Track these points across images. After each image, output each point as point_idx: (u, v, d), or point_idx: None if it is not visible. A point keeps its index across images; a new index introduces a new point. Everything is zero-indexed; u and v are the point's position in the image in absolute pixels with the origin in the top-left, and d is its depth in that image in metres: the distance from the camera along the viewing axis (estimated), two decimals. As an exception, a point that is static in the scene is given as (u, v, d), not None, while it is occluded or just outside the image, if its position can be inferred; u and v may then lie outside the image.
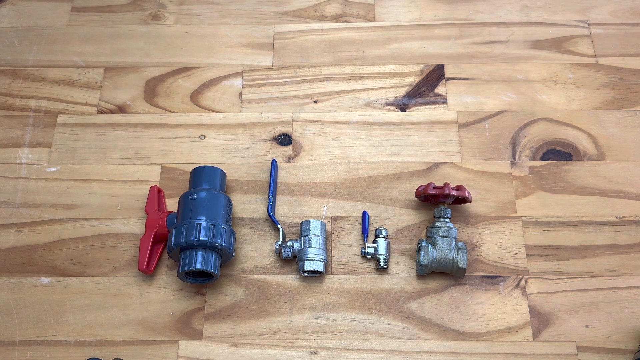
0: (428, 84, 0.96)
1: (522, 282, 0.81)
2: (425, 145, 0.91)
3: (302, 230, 0.82)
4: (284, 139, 0.92)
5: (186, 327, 0.79)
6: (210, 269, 0.76)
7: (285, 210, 0.87)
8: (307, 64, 0.98)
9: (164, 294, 0.81)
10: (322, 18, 1.02)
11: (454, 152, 0.90)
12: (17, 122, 0.93)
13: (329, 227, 0.85)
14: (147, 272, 0.80)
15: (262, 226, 0.86)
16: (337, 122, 0.93)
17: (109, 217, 0.86)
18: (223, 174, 0.85)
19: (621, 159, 0.90)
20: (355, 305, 0.80)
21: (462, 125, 0.92)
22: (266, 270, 0.83)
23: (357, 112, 0.94)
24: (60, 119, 0.93)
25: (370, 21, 1.02)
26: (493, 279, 0.82)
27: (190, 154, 0.91)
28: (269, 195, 0.86)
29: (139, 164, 0.90)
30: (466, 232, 0.85)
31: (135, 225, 0.85)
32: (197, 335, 0.79)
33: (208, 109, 0.94)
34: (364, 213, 0.85)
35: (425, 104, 0.94)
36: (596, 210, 0.86)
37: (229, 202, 0.82)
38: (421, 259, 0.79)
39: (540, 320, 0.79)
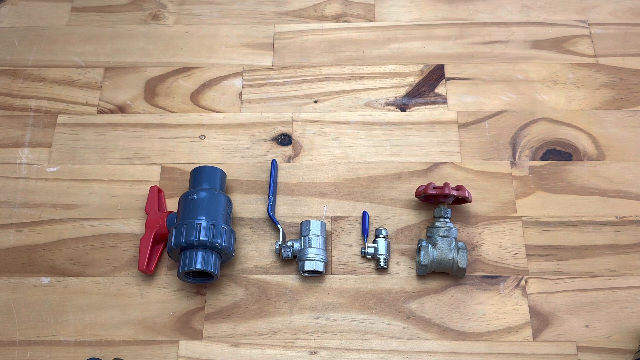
0: (428, 84, 0.96)
1: (522, 282, 0.81)
2: (425, 145, 0.91)
3: (302, 230, 0.82)
4: (284, 139, 0.92)
5: (186, 327, 0.79)
6: (210, 269, 0.76)
7: (285, 210, 0.87)
8: (307, 64, 0.98)
9: (164, 294, 0.81)
10: (322, 18, 1.02)
11: (454, 152, 0.90)
12: (17, 122, 0.93)
13: (329, 227, 0.85)
14: (147, 272, 0.80)
15: (262, 226, 0.86)
16: (337, 122, 0.93)
17: (109, 217, 0.86)
18: (223, 174, 0.85)
19: (621, 159, 0.90)
20: (355, 305, 0.80)
21: (462, 125, 0.92)
22: (266, 270, 0.83)
23: (357, 112, 0.94)
24: (60, 119, 0.93)
25: (370, 21, 1.02)
26: (493, 279, 0.82)
27: (190, 154, 0.91)
28: (269, 195, 0.86)
29: (139, 164, 0.90)
30: (466, 232, 0.85)
31: (135, 225, 0.85)
32: (197, 335, 0.79)
33: (208, 109, 0.94)
34: (364, 213, 0.85)
35: (425, 104, 0.94)
36: (596, 210, 0.86)
37: (229, 202, 0.82)
38: (421, 259, 0.79)
39: (540, 320, 0.79)
